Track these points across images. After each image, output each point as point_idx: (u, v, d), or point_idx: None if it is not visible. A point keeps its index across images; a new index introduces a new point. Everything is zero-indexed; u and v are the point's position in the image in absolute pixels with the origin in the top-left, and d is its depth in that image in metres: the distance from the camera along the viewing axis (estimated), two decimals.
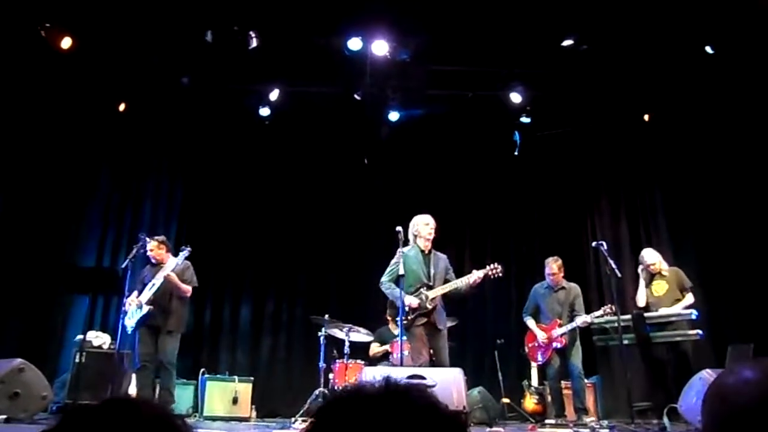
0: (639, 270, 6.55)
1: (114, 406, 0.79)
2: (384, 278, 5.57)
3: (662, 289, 6.30)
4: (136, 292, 6.01)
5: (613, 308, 6.02)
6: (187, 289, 6.07)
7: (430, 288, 5.45)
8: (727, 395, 1.06)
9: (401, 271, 5.32)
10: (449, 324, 6.74)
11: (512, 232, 9.00)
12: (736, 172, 7.36)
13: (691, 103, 7.49)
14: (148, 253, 6.17)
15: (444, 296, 5.54)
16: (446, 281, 5.53)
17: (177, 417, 0.82)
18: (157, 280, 5.92)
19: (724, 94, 7.17)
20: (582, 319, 6.13)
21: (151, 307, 5.85)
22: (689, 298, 6.17)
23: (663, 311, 6.10)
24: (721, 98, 7.22)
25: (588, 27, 6.83)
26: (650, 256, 6.46)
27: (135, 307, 5.89)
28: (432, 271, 5.52)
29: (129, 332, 5.96)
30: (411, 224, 5.64)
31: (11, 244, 7.25)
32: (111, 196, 8.32)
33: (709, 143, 7.61)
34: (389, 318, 6.71)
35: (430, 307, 5.38)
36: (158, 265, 6.13)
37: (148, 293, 5.91)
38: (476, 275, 5.45)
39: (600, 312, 6.14)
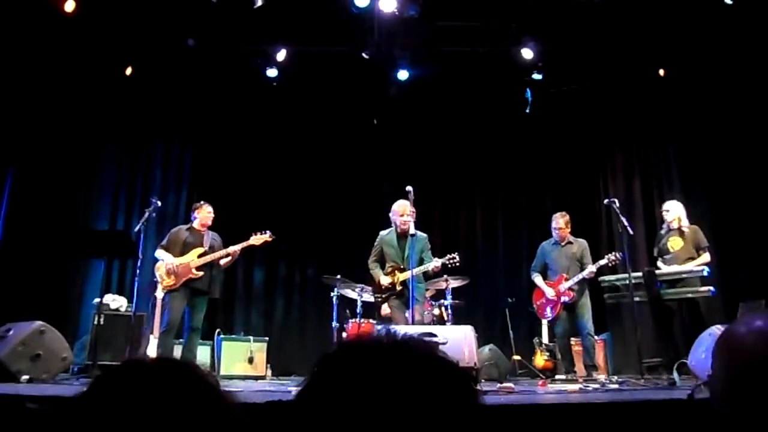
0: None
1: (143, 366, 0.81)
2: (370, 259, 6.14)
3: (678, 245, 6.27)
4: (165, 253, 6.01)
5: (617, 255, 6.13)
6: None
7: (402, 270, 5.83)
8: (738, 344, 1.05)
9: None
10: (460, 283, 6.83)
11: (523, 190, 8.98)
12: (750, 128, 7.21)
13: (707, 57, 7.29)
14: (206, 217, 6.19)
15: (424, 273, 5.95)
16: (422, 261, 5.90)
17: (205, 371, 0.84)
18: (208, 248, 6.03)
19: (741, 47, 6.97)
20: (587, 270, 6.18)
21: (202, 273, 5.93)
22: (705, 257, 6.14)
23: (674, 268, 6.09)
24: (738, 51, 7.02)
25: None
26: (670, 206, 6.44)
27: (173, 270, 5.90)
28: (405, 254, 5.83)
29: (160, 294, 6.05)
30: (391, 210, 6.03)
31: (26, 211, 7.34)
32: (121, 161, 8.35)
33: (724, 97, 7.44)
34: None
35: (399, 288, 5.82)
36: (198, 231, 6.17)
37: (197, 259, 5.96)
38: (434, 264, 5.84)
39: (604, 260, 6.22)
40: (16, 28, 6.77)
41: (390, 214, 6.04)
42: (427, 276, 6.15)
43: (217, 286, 6.19)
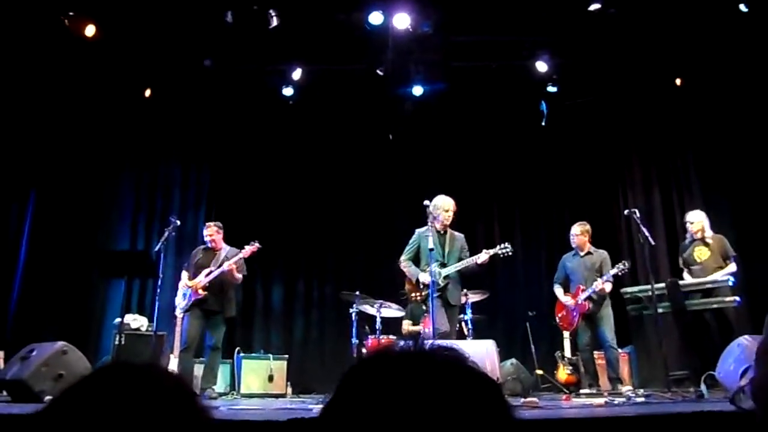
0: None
1: (111, 372, 0.80)
2: (403, 257, 5.85)
3: (705, 254, 6.19)
4: (186, 274, 6.16)
5: (627, 264, 6.05)
6: (240, 278, 6.31)
7: (443, 266, 5.63)
8: None
9: (430, 245, 5.40)
10: (480, 297, 6.77)
11: (542, 204, 8.92)
12: None
13: (724, 65, 7.23)
14: (206, 237, 6.33)
15: (460, 273, 5.74)
16: (460, 260, 5.71)
17: (180, 378, 0.83)
18: (215, 268, 6.09)
19: (759, 54, 6.90)
20: (599, 281, 6.10)
21: (207, 292, 6.01)
22: (731, 267, 6.06)
23: (699, 279, 6.00)
24: (756, 57, 6.95)
25: None
26: (693, 216, 6.36)
27: (189, 290, 6.04)
28: (447, 251, 5.72)
29: (179, 314, 6.14)
30: (431, 205, 5.73)
31: (48, 233, 7.45)
32: (141, 181, 8.45)
33: (742, 105, 7.35)
34: (407, 294, 6.38)
35: (441, 284, 5.59)
36: (212, 250, 6.28)
37: (204, 279, 6.05)
38: (484, 256, 5.61)
39: (615, 270, 6.14)
40: (39, 54, 6.92)
41: (430, 209, 5.69)
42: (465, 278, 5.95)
43: (230, 305, 6.24)
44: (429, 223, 5.63)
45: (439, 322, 5.39)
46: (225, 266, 6.08)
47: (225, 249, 6.33)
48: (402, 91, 8.07)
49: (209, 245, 6.35)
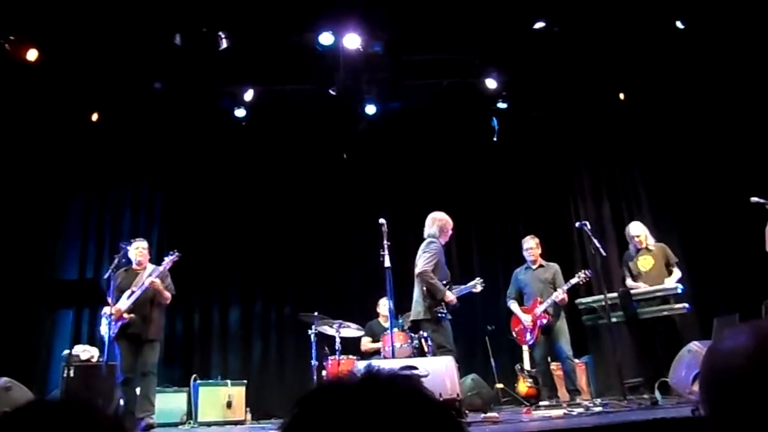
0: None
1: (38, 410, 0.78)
2: (428, 268, 5.49)
3: (648, 264, 6.35)
4: (111, 300, 5.90)
5: (587, 273, 6.19)
6: (168, 296, 6.02)
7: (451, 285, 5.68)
8: (720, 361, 1.05)
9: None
10: None
11: (496, 218, 9.04)
12: (713, 145, 7.42)
13: (665, 79, 7.54)
14: (136, 254, 6.05)
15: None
16: None
17: (109, 412, 0.80)
18: (137, 288, 5.84)
19: (697, 68, 7.22)
20: (559, 291, 6.21)
21: (133, 315, 5.77)
22: (677, 273, 6.23)
23: (649, 287, 6.16)
24: (694, 72, 7.27)
25: (558, 9, 6.84)
26: (635, 228, 6.53)
27: (114, 317, 5.77)
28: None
29: (106, 342, 5.89)
30: (437, 219, 5.87)
31: None
32: (89, 207, 8.20)
33: (684, 118, 7.67)
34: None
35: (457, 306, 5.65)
36: (134, 272, 6.04)
37: (126, 302, 5.81)
38: (480, 287, 6.07)
39: (575, 279, 6.26)
40: None
41: (438, 224, 5.83)
42: None
43: (151, 327, 5.89)
44: (435, 238, 5.71)
45: (452, 346, 5.46)
46: (147, 282, 5.81)
47: (149, 268, 6.07)
48: (355, 110, 8.10)
49: (134, 265, 6.08)
